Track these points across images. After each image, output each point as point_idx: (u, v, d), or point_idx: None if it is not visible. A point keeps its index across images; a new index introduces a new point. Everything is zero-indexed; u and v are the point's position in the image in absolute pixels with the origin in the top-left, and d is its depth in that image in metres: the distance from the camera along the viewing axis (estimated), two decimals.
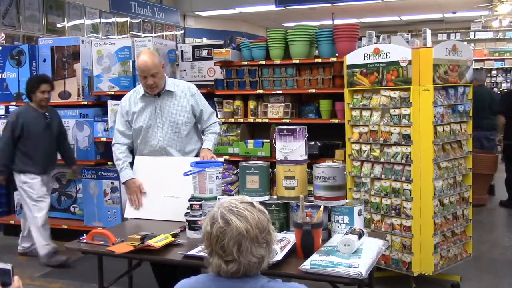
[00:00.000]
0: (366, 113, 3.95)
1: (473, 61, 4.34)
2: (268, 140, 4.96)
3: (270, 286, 1.63)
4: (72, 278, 4.37)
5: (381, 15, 13.84)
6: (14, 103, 5.58)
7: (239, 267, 1.58)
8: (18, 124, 4.52)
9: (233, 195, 4.07)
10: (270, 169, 3.00)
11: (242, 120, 5.20)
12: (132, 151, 3.58)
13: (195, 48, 5.57)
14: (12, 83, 5.47)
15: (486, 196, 6.79)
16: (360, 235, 2.37)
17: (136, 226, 3.10)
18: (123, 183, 3.45)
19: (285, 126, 2.85)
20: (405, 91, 3.72)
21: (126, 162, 3.45)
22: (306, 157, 2.86)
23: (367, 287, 2.61)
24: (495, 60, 14.16)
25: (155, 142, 3.47)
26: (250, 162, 3.05)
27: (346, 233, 2.39)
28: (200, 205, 2.82)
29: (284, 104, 5.01)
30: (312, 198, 2.80)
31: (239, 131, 5.27)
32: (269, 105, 5.09)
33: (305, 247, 2.37)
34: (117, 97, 4.78)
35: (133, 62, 4.85)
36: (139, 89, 3.50)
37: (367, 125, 3.92)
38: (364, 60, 3.89)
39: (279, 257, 2.27)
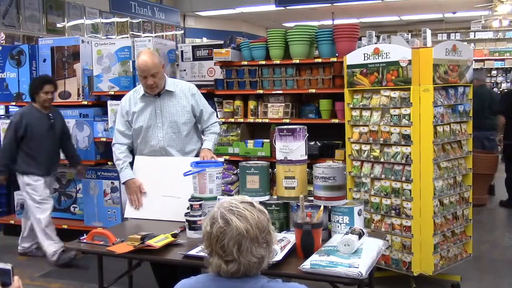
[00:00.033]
0: (366, 113, 3.95)
1: (473, 61, 4.34)
2: (268, 140, 4.96)
3: (270, 286, 1.63)
4: (72, 278, 4.37)
5: (381, 15, 13.85)
6: (14, 103, 5.59)
7: (239, 267, 1.58)
8: (21, 125, 4.50)
9: (233, 195, 4.07)
10: (270, 169, 3.00)
11: (242, 120, 5.20)
12: (132, 151, 3.58)
13: (195, 48, 5.57)
14: (12, 83, 5.47)
15: (486, 196, 6.79)
16: (360, 235, 2.37)
17: (136, 226, 3.10)
18: (123, 183, 3.45)
19: (285, 126, 2.85)
20: (405, 91, 3.72)
21: (126, 162, 3.45)
22: (306, 157, 2.86)
23: (367, 287, 2.61)
24: (495, 60, 14.16)
25: (155, 142, 3.47)
26: (250, 162, 3.05)
27: (346, 233, 2.39)
28: (200, 205, 2.82)
29: (284, 104, 5.01)
30: (312, 198, 2.80)
31: (239, 131, 5.27)
32: (269, 105, 5.09)
33: (305, 247, 2.37)
34: (117, 97, 4.78)
35: (133, 62, 4.85)
36: (139, 89, 3.50)
37: (367, 125, 3.92)
38: (364, 60, 3.89)
39: (279, 257, 2.27)
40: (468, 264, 4.27)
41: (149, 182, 3.35)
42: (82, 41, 5.21)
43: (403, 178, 3.74)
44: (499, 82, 14.09)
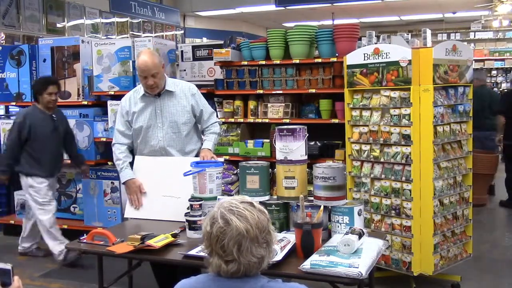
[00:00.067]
0: (366, 113, 3.95)
1: (473, 61, 4.34)
2: (268, 140, 4.96)
3: (270, 286, 1.63)
4: (72, 278, 4.37)
5: (381, 15, 13.85)
6: (14, 103, 5.58)
7: (239, 267, 1.58)
8: (25, 126, 4.48)
9: (233, 195, 4.07)
10: (270, 169, 3.00)
11: (242, 120, 5.20)
12: (132, 151, 3.58)
13: (195, 48, 5.57)
14: (12, 83, 5.46)
15: (486, 196, 6.79)
16: (360, 235, 2.37)
17: (136, 226, 3.10)
18: (123, 183, 3.45)
19: (285, 126, 2.85)
20: (405, 91, 3.72)
21: (126, 162, 3.45)
22: (306, 157, 2.86)
23: (367, 287, 2.61)
24: (495, 60, 14.16)
25: (155, 142, 3.47)
26: (250, 162, 3.05)
27: (346, 233, 2.39)
28: (200, 205, 2.82)
29: (284, 104, 5.01)
30: (312, 198, 2.80)
31: (239, 131, 5.27)
32: (269, 105, 5.09)
33: (305, 247, 2.37)
34: (117, 97, 4.78)
35: (133, 62, 4.85)
36: (139, 89, 3.50)
37: (367, 125, 3.92)
38: (364, 60, 3.89)
39: (279, 257, 2.27)
40: (468, 264, 4.27)
41: (149, 182, 3.35)
42: (82, 41, 5.21)
43: (403, 178, 3.74)
44: (499, 82, 14.09)
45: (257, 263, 1.61)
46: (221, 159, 3.87)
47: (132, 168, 3.45)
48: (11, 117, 5.80)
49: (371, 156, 3.89)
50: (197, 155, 3.50)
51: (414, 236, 3.72)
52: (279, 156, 2.85)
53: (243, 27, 14.56)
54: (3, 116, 5.83)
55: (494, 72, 14.12)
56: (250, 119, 5.15)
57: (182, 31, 12.75)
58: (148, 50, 3.57)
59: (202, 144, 3.58)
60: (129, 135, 3.53)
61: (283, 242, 2.44)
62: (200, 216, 2.79)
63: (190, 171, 2.97)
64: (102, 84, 5.07)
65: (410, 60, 3.65)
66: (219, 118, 4.13)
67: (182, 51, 5.58)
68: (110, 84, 5.04)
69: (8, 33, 7.74)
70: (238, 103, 5.19)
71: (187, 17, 13.19)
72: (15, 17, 7.81)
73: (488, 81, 13.69)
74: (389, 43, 4.55)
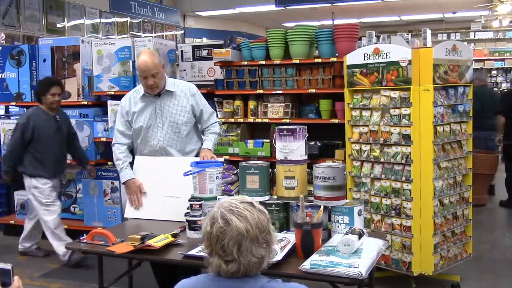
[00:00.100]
0: (366, 113, 3.95)
1: (473, 61, 4.34)
2: (268, 140, 4.96)
3: (270, 286, 1.63)
4: (72, 278, 4.37)
5: (381, 15, 13.85)
6: (14, 103, 5.58)
7: (239, 267, 1.58)
8: (29, 127, 4.47)
9: (233, 195, 4.07)
10: (270, 169, 3.00)
11: (242, 120, 5.20)
12: (132, 151, 3.58)
13: (195, 48, 5.57)
14: (12, 83, 5.46)
15: (486, 196, 6.79)
16: (360, 235, 2.37)
17: (136, 226, 3.10)
18: (123, 183, 3.45)
19: (285, 126, 2.85)
20: (405, 91, 3.72)
21: (126, 162, 3.45)
22: (306, 157, 2.86)
23: (367, 287, 2.61)
24: (495, 60, 14.16)
25: (155, 142, 3.47)
26: (250, 162, 3.05)
27: (346, 233, 2.39)
28: (200, 205, 2.82)
29: (284, 104, 5.01)
30: (312, 198, 2.80)
31: (239, 131, 5.27)
32: (269, 105, 5.09)
33: (305, 247, 2.37)
34: (117, 97, 4.78)
35: (133, 62, 4.85)
36: (139, 89, 3.50)
37: (367, 125, 3.92)
38: (364, 60, 3.89)
39: (279, 257, 2.27)
40: (468, 264, 4.27)
41: (149, 182, 3.35)
42: (82, 41, 5.21)
43: (403, 178, 3.74)
44: (499, 82, 14.09)
45: (257, 263, 1.61)
46: (221, 159, 3.87)
47: (132, 168, 3.45)
48: (11, 117, 5.81)
49: (371, 156, 3.89)
50: (197, 155, 3.50)
51: (414, 236, 3.72)
52: (279, 156, 2.85)
53: (243, 27, 14.56)
54: (3, 116, 5.83)
55: (494, 72, 14.12)
56: (250, 119, 5.15)
57: (182, 31, 12.75)
58: (148, 50, 3.57)
59: (202, 144, 3.58)
60: (129, 135, 3.53)
61: (283, 242, 2.45)
62: (200, 216, 2.79)
63: (190, 171, 2.97)
64: (102, 84, 5.07)
65: (410, 60, 3.65)
66: (219, 118, 4.13)
67: (182, 51, 5.58)
68: (110, 84, 5.04)
69: (8, 33, 7.75)
70: (238, 103, 5.19)
71: (187, 17, 13.19)
72: (15, 17, 7.81)
73: (488, 81, 13.68)
74: (389, 43, 4.55)
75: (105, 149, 5.22)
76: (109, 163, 5.28)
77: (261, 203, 1.82)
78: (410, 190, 3.70)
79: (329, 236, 2.64)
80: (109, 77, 5.03)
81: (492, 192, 7.19)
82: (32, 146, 4.53)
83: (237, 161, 4.40)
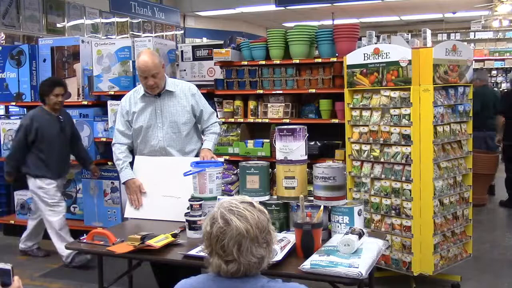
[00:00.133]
0: (366, 113, 3.95)
1: (473, 61, 4.34)
2: (268, 140, 4.96)
3: (270, 286, 1.63)
4: (72, 278, 4.37)
5: (381, 15, 13.85)
6: (14, 103, 5.58)
7: (239, 267, 1.58)
8: (32, 128, 4.45)
9: (233, 195, 4.07)
10: (270, 169, 3.00)
11: (242, 120, 5.20)
12: (132, 151, 3.58)
13: (195, 48, 5.57)
14: (12, 83, 5.46)
15: (486, 196, 6.79)
16: (360, 235, 2.37)
17: (136, 226, 3.10)
18: (123, 183, 3.45)
19: (285, 126, 2.85)
20: (405, 91, 3.72)
21: (126, 162, 3.45)
22: (306, 157, 2.86)
23: (367, 287, 2.61)
24: (495, 60, 14.16)
25: (155, 142, 3.47)
26: (250, 162, 3.05)
27: (346, 233, 2.38)
28: (200, 205, 2.81)
29: (284, 104, 5.01)
30: (312, 198, 2.80)
31: (239, 131, 5.27)
32: (269, 105, 5.09)
33: (305, 247, 2.37)
34: (117, 97, 4.78)
35: (133, 62, 4.85)
36: (139, 89, 3.50)
37: (367, 125, 3.92)
38: (364, 60, 3.89)
39: (279, 257, 2.27)
40: (468, 264, 4.27)
41: (149, 182, 3.35)
42: (82, 41, 5.21)
43: (403, 178, 3.74)
44: (499, 82, 14.10)
45: (257, 263, 1.61)
46: (221, 159, 3.87)
47: (132, 168, 3.45)
48: (11, 117, 5.81)
49: (371, 156, 3.89)
50: (197, 155, 3.50)
51: (414, 236, 3.72)
52: (279, 156, 2.85)
53: (243, 27, 14.56)
54: (3, 116, 5.83)
55: (494, 72, 14.12)
56: (250, 119, 5.15)
57: (182, 31, 12.75)
58: (148, 50, 3.57)
59: (202, 144, 3.58)
60: (129, 135, 3.53)
61: (283, 242, 2.44)
62: (200, 216, 2.78)
63: (190, 171, 2.97)
64: (102, 84, 5.07)
65: (410, 60, 3.65)
66: (219, 118, 4.13)
67: (182, 51, 5.58)
68: (110, 84, 5.04)
69: (8, 33, 7.75)
70: (238, 103, 5.19)
71: (187, 17, 13.19)
72: (15, 17, 7.81)
73: (488, 81, 13.69)
74: (389, 43, 4.55)
75: (105, 149, 5.22)
76: (109, 163, 5.28)
77: (261, 203, 1.82)
78: (410, 190, 3.70)
79: (329, 236, 2.64)
80: (109, 77, 5.03)
81: (492, 192, 7.19)
82: (35, 146, 4.51)
83: (237, 161, 4.40)
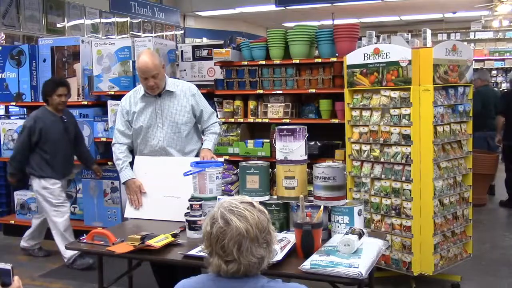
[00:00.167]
0: (366, 113, 3.95)
1: (473, 61, 4.34)
2: (268, 140, 4.96)
3: (270, 286, 1.63)
4: (72, 278, 4.37)
5: (381, 15, 13.85)
6: (14, 103, 5.58)
7: (239, 267, 1.58)
8: (36, 129, 4.44)
9: (233, 195, 4.07)
10: (270, 169, 3.00)
11: (242, 120, 5.20)
12: (132, 151, 3.58)
13: (195, 48, 5.57)
14: (12, 83, 5.46)
15: (486, 196, 6.78)
16: (360, 235, 2.37)
17: (136, 226, 3.10)
18: (123, 183, 3.45)
19: (285, 126, 2.85)
20: (405, 91, 3.72)
21: (126, 162, 3.45)
22: (306, 157, 2.86)
23: (367, 287, 2.61)
24: (495, 60, 14.16)
25: (155, 142, 3.47)
26: (250, 162, 3.05)
27: (346, 233, 2.39)
28: (200, 205, 2.81)
29: (284, 104, 5.01)
30: (312, 198, 2.80)
31: (239, 131, 5.28)
32: (269, 105, 5.09)
33: (305, 247, 2.37)
34: (117, 97, 4.77)
35: (133, 62, 4.85)
36: (139, 89, 3.50)
37: (367, 125, 3.92)
38: (364, 60, 3.89)
39: (279, 257, 2.27)
40: (468, 264, 4.27)
41: (149, 182, 3.35)
42: (82, 41, 5.21)
43: (403, 178, 3.74)
44: (499, 82, 14.10)
45: (257, 263, 1.61)
46: (221, 159, 3.87)
47: (132, 168, 3.45)
48: (11, 117, 5.81)
49: (371, 156, 3.89)
50: (197, 155, 3.50)
51: (414, 236, 3.72)
52: (279, 156, 2.85)
53: (243, 27, 14.56)
54: (3, 116, 5.83)
55: (494, 72, 14.11)
56: (250, 119, 5.15)
57: (182, 31, 12.75)
58: (149, 51, 3.56)
59: (202, 144, 3.58)
60: (129, 135, 3.53)
61: (283, 242, 2.45)
62: (200, 216, 2.79)
63: (190, 171, 2.97)
64: (102, 84, 5.07)
65: (410, 60, 3.65)
66: (219, 118, 4.13)
67: (182, 51, 5.58)
68: (110, 84, 5.04)
69: (8, 33, 7.75)
70: (238, 103, 5.19)
71: (187, 17, 13.20)
72: (15, 17, 7.81)
73: (489, 81, 13.68)
74: (389, 43, 4.55)
75: (105, 149, 5.22)
76: (109, 163, 5.28)
77: (261, 203, 1.82)
78: (410, 190, 3.70)
79: (329, 236, 2.64)
80: (109, 77, 5.03)
81: (492, 192, 7.19)
82: (40, 147, 4.50)
83: (237, 161, 4.40)
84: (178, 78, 5.02)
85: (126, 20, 10.31)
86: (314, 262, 2.19)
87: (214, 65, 5.29)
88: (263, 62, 4.96)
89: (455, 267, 4.05)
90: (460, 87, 3.99)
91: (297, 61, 4.79)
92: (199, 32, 13.33)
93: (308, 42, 4.77)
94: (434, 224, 3.74)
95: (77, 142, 4.77)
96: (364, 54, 3.89)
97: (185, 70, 5.55)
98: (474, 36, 14.54)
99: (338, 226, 2.64)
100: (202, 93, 3.69)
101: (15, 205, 5.61)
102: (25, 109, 5.88)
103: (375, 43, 4.58)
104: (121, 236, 2.75)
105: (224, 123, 5.22)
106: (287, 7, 11.00)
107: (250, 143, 5.05)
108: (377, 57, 3.82)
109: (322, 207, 2.58)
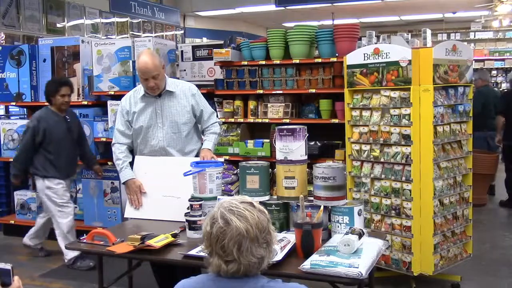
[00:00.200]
0: (366, 113, 3.95)
1: (473, 61, 4.34)
2: (268, 140, 4.96)
3: (270, 286, 1.63)
4: (72, 278, 4.37)
5: (381, 15, 13.85)
6: (14, 103, 5.58)
7: (239, 267, 1.58)
8: (39, 129, 4.43)
9: (233, 195, 4.07)
10: (270, 169, 3.00)
11: (242, 120, 5.20)
12: (132, 151, 3.58)
13: (195, 48, 5.57)
14: (12, 83, 5.46)
15: (486, 196, 6.78)
16: (360, 235, 2.37)
17: (136, 226, 3.10)
18: (123, 183, 3.45)
19: (285, 126, 2.85)
20: (405, 91, 3.72)
21: (126, 162, 3.45)
22: (306, 157, 2.86)
23: (367, 287, 2.61)
24: (495, 60, 14.17)
25: (155, 142, 3.47)
26: (250, 162, 3.05)
27: (346, 233, 2.39)
28: (200, 205, 2.81)
29: (284, 104, 5.01)
30: (312, 198, 2.80)
31: (239, 131, 5.28)
32: (269, 105, 5.10)
33: (305, 247, 2.37)
34: (117, 97, 4.78)
35: (133, 62, 4.85)
36: (140, 89, 3.50)
37: (367, 125, 3.92)
38: (364, 60, 3.89)
39: (279, 257, 2.27)
40: (468, 264, 4.27)
41: (149, 182, 3.35)
42: (82, 41, 5.21)
43: (403, 178, 3.74)
44: (499, 82, 14.10)
45: (257, 263, 1.61)
46: (221, 159, 3.87)
47: (132, 168, 3.45)
48: (11, 117, 5.81)
49: (371, 156, 3.89)
50: (197, 155, 3.50)
51: (414, 236, 3.72)
52: (279, 156, 2.85)
53: (243, 27, 14.57)
54: (3, 116, 5.83)
55: (494, 72, 14.12)
56: (250, 119, 5.15)
57: (182, 31, 12.75)
58: (149, 51, 3.56)
59: (202, 144, 3.58)
60: (129, 135, 3.53)
61: (283, 242, 2.45)
62: (200, 216, 2.78)
63: (190, 171, 2.97)
64: (102, 84, 5.07)
65: (410, 60, 3.65)
66: (219, 118, 4.13)
67: (182, 51, 5.58)
68: (110, 84, 5.04)
69: (8, 33, 7.75)
70: (238, 103, 5.19)
71: (187, 17, 13.20)
72: (15, 17, 7.81)
73: (490, 81, 13.69)
74: (389, 43, 4.55)
75: (105, 149, 5.22)
76: (109, 163, 5.28)
77: (261, 203, 1.82)
78: (410, 190, 3.70)
79: (329, 236, 2.64)
80: (109, 77, 5.03)
81: (492, 192, 7.19)
82: (43, 147, 4.49)
83: (237, 161, 4.40)
84: (178, 78, 5.03)
85: (126, 20, 10.31)
86: (314, 262, 2.19)
87: (214, 65, 5.29)
88: (263, 62, 4.96)
89: (455, 267, 4.05)
90: (460, 87, 3.99)
91: (297, 61, 4.79)
92: (199, 32, 13.33)
93: (308, 42, 4.77)
94: (434, 224, 3.74)
95: (80, 142, 4.77)
96: (364, 54, 3.89)
97: (185, 70, 5.55)
98: (474, 36, 14.55)
99: (338, 226, 2.64)
100: (202, 93, 3.69)
101: (15, 205, 5.61)
102: (25, 109, 5.89)
103: (375, 43, 4.58)
104: (121, 236, 2.75)
105: (224, 123, 5.22)
106: (287, 7, 11.00)
107: (250, 143, 5.05)
108: (377, 57, 3.82)
109: (322, 207, 2.58)
